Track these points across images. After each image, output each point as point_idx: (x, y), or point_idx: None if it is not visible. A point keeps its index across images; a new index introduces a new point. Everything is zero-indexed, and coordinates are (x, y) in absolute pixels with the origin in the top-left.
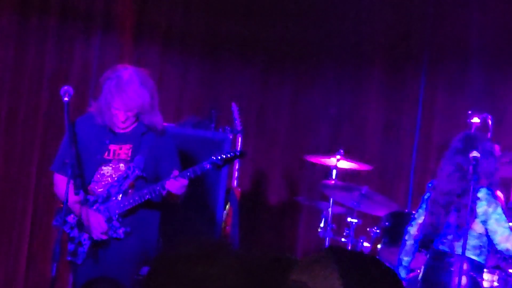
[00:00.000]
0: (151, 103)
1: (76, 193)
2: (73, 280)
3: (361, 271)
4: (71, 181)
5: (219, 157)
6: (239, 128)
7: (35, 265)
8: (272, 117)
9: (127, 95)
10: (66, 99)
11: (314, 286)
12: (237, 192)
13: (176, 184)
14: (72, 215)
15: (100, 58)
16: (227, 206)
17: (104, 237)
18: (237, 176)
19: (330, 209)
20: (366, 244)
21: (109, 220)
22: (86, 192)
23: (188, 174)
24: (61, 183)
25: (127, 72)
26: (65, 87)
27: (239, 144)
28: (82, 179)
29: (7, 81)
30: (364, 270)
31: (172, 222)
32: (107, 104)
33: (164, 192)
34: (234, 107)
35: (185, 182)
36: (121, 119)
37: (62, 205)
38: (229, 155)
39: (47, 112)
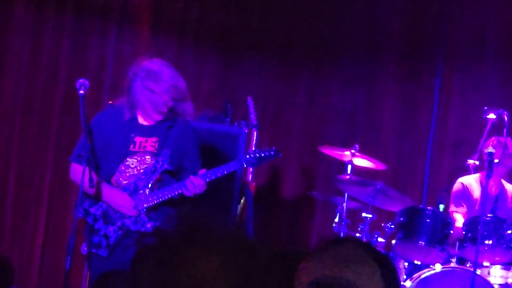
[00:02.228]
0: (186, 89)
1: (91, 186)
2: (93, 273)
3: (394, 269)
4: (87, 174)
5: (254, 156)
6: (254, 122)
7: (49, 258)
8: (288, 111)
9: (167, 84)
10: (81, 92)
11: (359, 284)
12: (252, 186)
13: (195, 186)
14: (95, 206)
15: (116, 52)
16: (242, 201)
17: (135, 212)
18: (252, 171)
19: (344, 204)
20: (380, 239)
21: (137, 214)
22: (110, 183)
23: (210, 175)
24: (78, 171)
25: (155, 63)
26: (81, 80)
27: (255, 138)
28: (98, 171)
29: (23, 75)
30: (394, 268)
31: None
32: (146, 99)
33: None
34: (250, 101)
35: (202, 182)
36: (164, 109)
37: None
38: (263, 154)
39: (62, 105)
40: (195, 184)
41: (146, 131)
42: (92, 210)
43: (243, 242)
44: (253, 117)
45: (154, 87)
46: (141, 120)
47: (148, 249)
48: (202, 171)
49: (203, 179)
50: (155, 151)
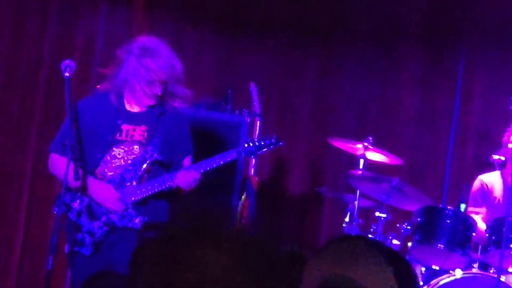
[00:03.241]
0: (182, 71)
1: (76, 178)
2: (75, 273)
3: (408, 267)
4: (71, 165)
5: (252, 144)
6: (257, 110)
7: (30, 257)
8: (295, 99)
9: (164, 60)
10: (67, 74)
11: (369, 283)
12: (254, 181)
13: (186, 177)
14: (78, 201)
15: (106, 31)
16: (243, 197)
17: (121, 206)
18: (254, 164)
19: (356, 202)
20: (395, 241)
21: (123, 208)
22: (94, 175)
23: (205, 166)
24: (60, 163)
25: (152, 40)
26: (66, 61)
27: (258, 128)
28: (83, 162)
29: (3, 55)
30: (408, 265)
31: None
32: (140, 78)
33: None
34: (253, 88)
35: (197, 175)
36: (158, 92)
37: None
38: (262, 143)
39: (46, 88)
40: (187, 175)
41: (134, 119)
42: (74, 204)
43: (253, 239)
44: (256, 104)
45: (151, 63)
46: (128, 107)
47: (150, 244)
48: (187, 161)
49: (196, 170)
50: (144, 141)
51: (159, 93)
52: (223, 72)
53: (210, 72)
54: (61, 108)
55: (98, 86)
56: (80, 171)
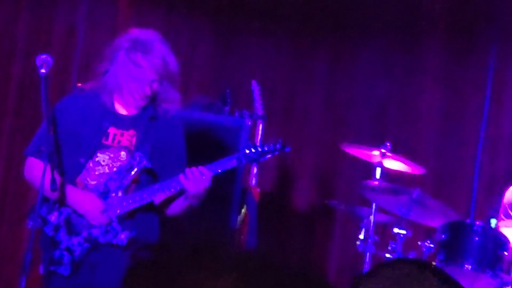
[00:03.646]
0: (178, 71)
1: (53, 189)
2: None
3: None
4: (48, 175)
5: (255, 150)
6: (260, 112)
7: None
8: (302, 100)
9: (156, 56)
10: (43, 71)
11: None
12: (256, 193)
13: (197, 179)
14: (55, 213)
15: (88, 23)
16: (243, 211)
17: (105, 219)
18: (256, 173)
19: (372, 217)
20: None
21: (107, 222)
22: (74, 184)
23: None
24: (37, 168)
25: (146, 32)
26: (43, 56)
27: (260, 132)
28: (63, 170)
29: None
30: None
31: (173, 231)
32: (131, 76)
33: (176, 189)
34: (255, 86)
35: (207, 181)
36: (148, 92)
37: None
38: (266, 148)
39: (19, 86)
40: (197, 172)
41: (123, 122)
42: (51, 217)
43: (254, 262)
44: (258, 106)
45: (141, 59)
46: (118, 108)
47: (142, 267)
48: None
49: (209, 170)
50: (132, 147)
51: (149, 94)
52: (220, 68)
53: (205, 68)
54: (36, 109)
55: (79, 84)
56: (58, 180)
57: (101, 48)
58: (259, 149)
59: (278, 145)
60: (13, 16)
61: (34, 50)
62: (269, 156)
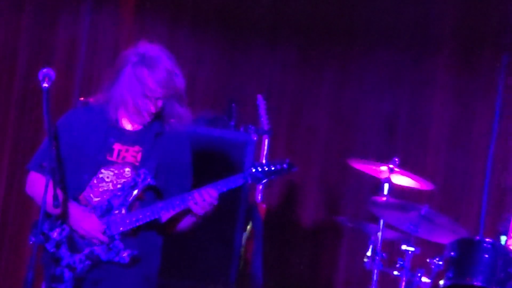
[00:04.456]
0: (184, 89)
1: (56, 206)
2: None
3: None
4: (51, 190)
5: (261, 169)
6: (266, 127)
7: None
8: (309, 114)
9: (162, 73)
10: (45, 85)
11: None
12: (262, 209)
13: (204, 198)
14: (57, 230)
15: (91, 35)
16: (249, 227)
17: (105, 239)
18: (261, 189)
19: (379, 234)
20: (425, 279)
21: (110, 240)
22: (78, 201)
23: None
24: (39, 184)
25: (153, 48)
26: (45, 70)
27: (266, 147)
28: (65, 186)
29: None
30: None
31: (178, 248)
32: (136, 92)
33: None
34: (260, 100)
35: (215, 201)
36: (153, 109)
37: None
38: (273, 168)
39: (21, 101)
40: (207, 196)
41: (128, 138)
42: (53, 234)
43: None
44: (264, 120)
45: (147, 74)
46: (123, 123)
47: None
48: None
49: (215, 190)
50: (137, 164)
51: (153, 111)
52: (225, 82)
53: (210, 82)
54: (38, 123)
55: (82, 99)
56: (61, 196)
57: (104, 62)
58: (266, 169)
59: (285, 165)
60: (15, 25)
61: (36, 63)
62: (276, 176)
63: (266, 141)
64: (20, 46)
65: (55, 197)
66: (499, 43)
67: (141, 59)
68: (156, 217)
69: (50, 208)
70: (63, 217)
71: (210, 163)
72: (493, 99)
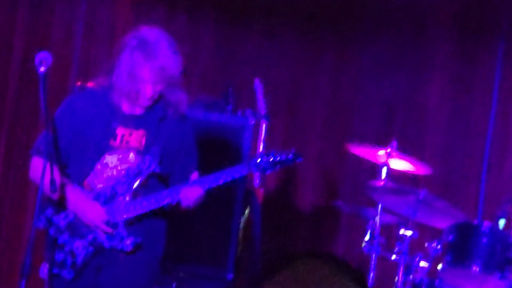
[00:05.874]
0: (181, 75)
1: (53, 190)
2: None
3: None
4: (48, 175)
5: (266, 159)
6: (263, 111)
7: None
8: (307, 99)
9: (158, 61)
10: (42, 69)
11: None
12: (260, 194)
13: (192, 194)
14: (61, 215)
15: (87, 19)
16: (246, 212)
17: (108, 229)
18: (259, 174)
19: (378, 218)
20: (423, 263)
21: (113, 227)
22: (82, 187)
23: (210, 183)
24: (40, 167)
25: (153, 33)
26: (42, 54)
27: (264, 132)
28: (63, 171)
29: None
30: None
31: (177, 233)
32: (131, 76)
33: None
34: (258, 85)
35: (200, 191)
36: (148, 94)
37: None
38: (278, 158)
39: (17, 85)
40: (190, 194)
41: (132, 121)
42: (56, 219)
43: None
44: (261, 105)
45: (142, 59)
46: (125, 107)
47: None
48: (194, 175)
49: (201, 187)
50: (141, 148)
51: (150, 95)
52: (222, 67)
53: (207, 66)
54: (35, 108)
55: (79, 83)
56: (58, 181)
57: (100, 47)
58: (271, 159)
59: (290, 156)
60: (11, 10)
61: (32, 47)
62: (281, 166)
63: (264, 126)
64: (16, 32)
65: (52, 181)
66: (498, 29)
67: (138, 43)
68: (161, 205)
69: (48, 193)
70: (63, 203)
71: (208, 147)
72: (491, 83)
